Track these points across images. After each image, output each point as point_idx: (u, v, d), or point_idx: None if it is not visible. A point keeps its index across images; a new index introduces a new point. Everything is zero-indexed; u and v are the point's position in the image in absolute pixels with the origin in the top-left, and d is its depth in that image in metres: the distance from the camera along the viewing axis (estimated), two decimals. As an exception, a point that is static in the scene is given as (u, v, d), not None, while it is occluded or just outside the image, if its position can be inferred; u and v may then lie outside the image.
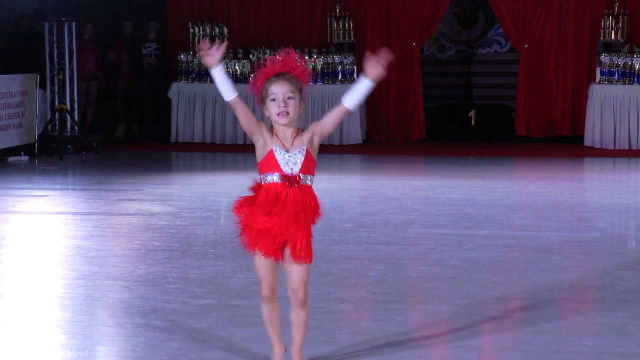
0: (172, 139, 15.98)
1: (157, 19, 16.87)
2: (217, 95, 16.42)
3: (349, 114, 4.69)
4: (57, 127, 15.08)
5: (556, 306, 6.19)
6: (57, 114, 15.05)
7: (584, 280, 6.88)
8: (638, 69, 14.95)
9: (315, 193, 4.61)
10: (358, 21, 16.17)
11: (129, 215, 9.62)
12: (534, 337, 5.42)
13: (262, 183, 4.56)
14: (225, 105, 15.60)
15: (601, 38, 15.48)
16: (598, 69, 15.23)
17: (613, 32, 15.42)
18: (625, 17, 15.41)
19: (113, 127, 17.25)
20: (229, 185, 11.63)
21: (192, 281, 6.81)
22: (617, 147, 14.92)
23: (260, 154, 4.56)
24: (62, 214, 9.88)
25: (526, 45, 15.89)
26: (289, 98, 4.51)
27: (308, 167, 4.55)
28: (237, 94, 4.53)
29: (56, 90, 15.29)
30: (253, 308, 6.01)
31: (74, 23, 15.42)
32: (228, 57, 15.97)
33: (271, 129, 4.59)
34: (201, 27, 16.30)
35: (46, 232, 8.94)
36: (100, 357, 5.30)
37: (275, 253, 4.54)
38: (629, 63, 14.97)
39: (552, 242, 8.16)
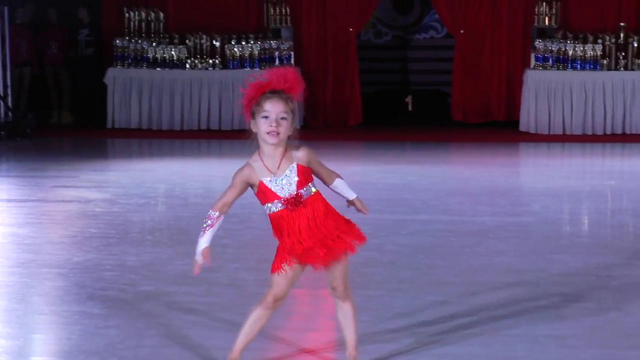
0: (109, 125, 15.83)
1: (85, 5, 16.62)
2: (154, 80, 16.20)
3: (326, 183, 4.72)
4: (-10, 113, 14.88)
5: (493, 290, 6.25)
6: (-10, 99, 14.85)
7: (519, 264, 6.96)
8: (571, 55, 15.13)
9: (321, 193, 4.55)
10: (294, 6, 16.14)
11: (64, 202, 9.52)
12: (471, 321, 5.47)
13: (268, 213, 4.40)
14: (162, 91, 15.52)
15: (535, 24, 15.66)
16: (533, 55, 15.40)
17: (547, 18, 15.61)
18: (559, 2, 15.59)
19: (47, 114, 17.02)
20: (166, 172, 11.56)
21: (129, 268, 6.77)
22: (551, 132, 15.10)
23: (254, 190, 4.43)
24: (-4, 202, 9.76)
25: (462, 31, 15.99)
26: (282, 118, 4.36)
27: (304, 180, 4.44)
28: (211, 235, 4.36)
29: (-11, 75, 15.07)
30: (190, 295, 6.00)
31: (6, 7, 15.19)
32: (164, 42, 15.85)
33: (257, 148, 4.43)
34: (136, 12, 16.15)
35: (-20, 219, 8.82)
36: (36, 346, 5.24)
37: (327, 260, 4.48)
38: (563, 49, 15.15)
39: (487, 227, 8.24)
